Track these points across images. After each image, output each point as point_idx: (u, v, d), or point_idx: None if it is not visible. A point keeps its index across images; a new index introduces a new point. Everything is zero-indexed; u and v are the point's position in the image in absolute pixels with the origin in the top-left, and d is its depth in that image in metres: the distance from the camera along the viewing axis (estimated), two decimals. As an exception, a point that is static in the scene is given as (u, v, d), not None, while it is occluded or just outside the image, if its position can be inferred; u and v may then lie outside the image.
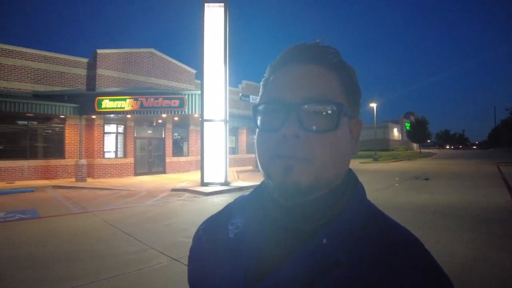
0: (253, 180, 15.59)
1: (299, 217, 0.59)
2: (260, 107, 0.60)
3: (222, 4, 14.13)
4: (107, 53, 18.48)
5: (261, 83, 0.67)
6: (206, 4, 14.05)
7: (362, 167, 26.65)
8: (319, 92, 0.56)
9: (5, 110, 13.82)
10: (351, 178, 0.65)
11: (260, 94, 0.66)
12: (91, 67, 18.09)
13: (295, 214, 0.59)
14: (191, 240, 0.74)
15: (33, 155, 15.98)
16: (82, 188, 13.51)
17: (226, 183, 13.50)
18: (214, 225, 0.72)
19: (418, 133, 67.09)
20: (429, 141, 75.69)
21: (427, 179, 16.98)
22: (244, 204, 0.70)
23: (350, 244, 0.55)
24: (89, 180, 15.98)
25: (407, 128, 74.31)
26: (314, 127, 0.55)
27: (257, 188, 0.71)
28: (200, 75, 14.73)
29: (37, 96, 15.56)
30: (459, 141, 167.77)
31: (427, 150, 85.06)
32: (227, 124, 14.03)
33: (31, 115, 15.18)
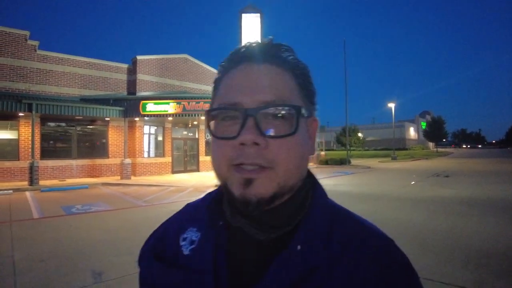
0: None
1: (266, 225, 0.56)
2: (214, 113, 0.56)
3: (258, 14, 15.20)
4: (146, 59, 19.74)
5: (212, 84, 0.64)
6: (243, 15, 15.14)
7: (382, 166, 27.42)
8: (276, 95, 0.54)
9: (57, 113, 15.09)
10: (310, 178, 0.63)
11: (212, 96, 0.63)
12: (131, 72, 19.38)
13: (262, 223, 0.56)
14: None
15: (80, 155, 17.32)
16: (131, 185, 14.72)
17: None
18: (160, 244, 0.67)
19: (434, 132, 67.15)
20: (444, 140, 75.42)
21: (447, 176, 17.75)
22: (195, 214, 0.67)
23: (324, 246, 0.54)
24: (132, 178, 17.21)
25: (423, 127, 74.35)
26: (273, 133, 0.52)
27: (211, 196, 0.67)
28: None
29: (84, 100, 16.85)
30: (476, 140, 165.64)
31: (443, 149, 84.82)
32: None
33: (80, 117, 16.49)
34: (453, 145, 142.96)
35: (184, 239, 0.63)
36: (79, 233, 6.73)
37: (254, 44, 0.59)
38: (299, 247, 0.53)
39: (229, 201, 0.60)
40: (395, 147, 40.50)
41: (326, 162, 28.59)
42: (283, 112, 0.53)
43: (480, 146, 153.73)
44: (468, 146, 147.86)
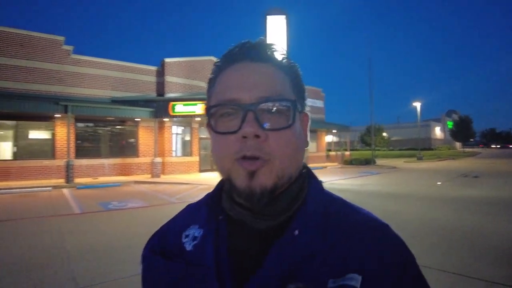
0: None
1: (266, 214, 0.59)
2: (214, 110, 0.59)
3: (284, 16, 15.40)
4: (173, 61, 20.31)
5: (207, 83, 0.66)
6: (268, 16, 15.38)
7: (408, 166, 27.05)
8: (272, 91, 0.57)
9: (90, 114, 15.80)
10: (306, 170, 0.67)
11: (207, 94, 0.65)
12: (160, 74, 19.97)
13: (261, 213, 0.59)
14: None
15: (111, 154, 18.04)
16: (161, 183, 15.23)
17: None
18: (162, 242, 0.70)
19: (461, 131, 65.50)
20: (472, 140, 73.56)
21: (476, 176, 17.42)
22: (196, 213, 0.70)
23: (321, 231, 0.56)
24: (161, 176, 17.75)
25: (450, 126, 72.68)
26: (272, 125, 0.55)
27: (211, 194, 0.70)
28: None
29: (115, 101, 17.51)
30: (505, 139, 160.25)
31: (471, 149, 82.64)
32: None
33: (112, 118, 17.17)
34: (481, 145, 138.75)
35: (187, 236, 0.66)
36: (120, 227, 7.15)
37: (246, 44, 0.62)
38: (296, 232, 0.56)
39: (230, 195, 0.64)
40: (420, 147, 39.89)
41: (351, 162, 28.49)
42: (280, 106, 0.56)
43: (511, 146, 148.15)
44: (498, 146, 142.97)
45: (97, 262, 4.92)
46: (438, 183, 14.69)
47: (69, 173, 14.81)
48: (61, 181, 15.37)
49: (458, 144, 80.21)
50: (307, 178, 0.66)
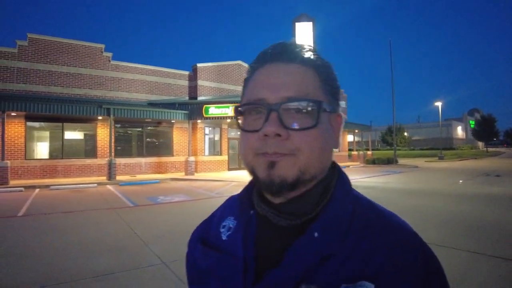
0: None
1: (288, 213, 0.61)
2: (242, 108, 0.62)
3: (311, 22, 16.26)
4: (205, 66, 21.55)
5: (243, 83, 0.68)
6: (297, 23, 16.27)
7: (430, 165, 27.41)
8: (298, 91, 0.58)
9: (130, 116, 17.02)
10: (335, 170, 0.67)
11: (242, 94, 0.67)
12: (192, 78, 21.23)
13: (284, 211, 0.61)
14: None
15: (148, 153, 19.30)
16: (196, 180, 16.32)
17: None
18: (206, 229, 0.76)
19: (484, 131, 64.70)
20: (495, 139, 72.41)
21: (498, 175, 17.74)
22: (234, 205, 0.73)
23: (341, 235, 0.56)
24: (194, 174, 18.87)
25: (472, 126, 71.83)
26: (295, 125, 0.56)
27: (246, 188, 0.72)
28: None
29: (152, 104, 18.75)
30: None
31: (494, 149, 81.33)
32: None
33: (149, 120, 18.36)
34: (505, 145, 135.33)
35: (224, 227, 0.70)
36: (176, 217, 8.17)
37: (278, 46, 0.63)
38: (316, 234, 0.56)
39: (256, 189, 0.67)
40: (441, 146, 39.86)
41: (373, 162, 28.99)
42: (304, 106, 0.57)
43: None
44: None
45: (172, 245, 5.74)
46: (460, 181, 15.16)
47: (111, 171, 16.05)
48: (103, 178, 16.64)
49: (480, 144, 79.14)
50: (335, 178, 0.65)
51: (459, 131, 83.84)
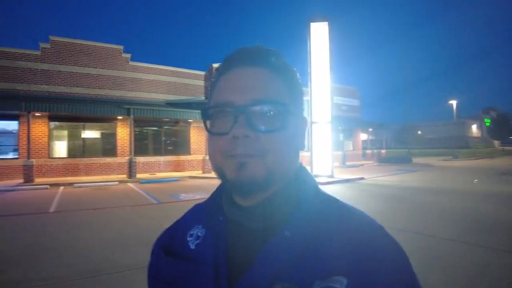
0: (356, 174, 17.78)
1: (259, 215, 0.61)
2: (210, 111, 0.62)
3: (326, 23, 16.43)
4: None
5: (209, 87, 0.68)
6: (312, 23, 16.45)
7: (444, 164, 27.33)
8: (265, 94, 0.58)
9: (149, 116, 17.46)
10: (302, 172, 0.67)
11: (209, 97, 0.67)
12: (208, 78, 21.59)
13: (254, 214, 0.61)
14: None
15: (166, 152, 19.79)
16: (214, 178, 16.42)
17: (331, 176, 15.81)
18: (170, 239, 0.74)
19: (499, 129, 63.88)
20: (511, 137, 71.40)
21: (515, 175, 17.68)
22: (201, 213, 0.72)
23: (313, 233, 0.56)
24: (212, 172, 19.22)
25: (487, 124, 70.89)
26: (263, 127, 0.57)
27: (213, 195, 0.72)
28: (305, 83, 17.22)
29: (170, 104, 19.14)
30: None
31: (510, 148, 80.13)
32: (331, 125, 16.38)
33: (167, 120, 18.80)
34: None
35: (191, 235, 0.69)
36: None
37: (245, 50, 0.64)
38: (287, 233, 0.56)
39: (225, 194, 0.68)
40: (456, 145, 39.58)
41: (387, 160, 29.02)
42: (271, 109, 0.58)
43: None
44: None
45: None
46: (475, 180, 15.16)
47: (131, 169, 16.50)
48: (123, 176, 17.12)
49: (496, 142, 78.01)
50: (303, 180, 0.66)
51: (474, 130, 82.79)
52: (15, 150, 16.47)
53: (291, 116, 0.61)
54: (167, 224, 0.80)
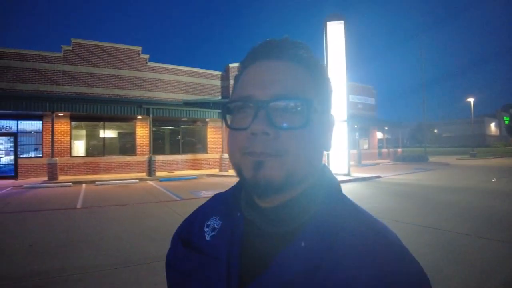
0: (372, 172, 17.88)
1: (275, 219, 0.58)
2: (230, 106, 0.59)
3: (342, 21, 16.54)
4: (236, 66, 21.82)
5: (233, 80, 0.65)
6: (328, 22, 16.58)
7: (461, 163, 27.07)
8: (288, 89, 0.55)
9: (167, 116, 17.84)
10: (325, 174, 0.64)
11: (232, 91, 0.64)
12: (224, 78, 21.88)
13: (271, 217, 0.59)
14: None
15: (184, 151, 20.17)
16: (231, 176, 16.91)
17: (348, 174, 15.93)
18: (189, 228, 0.72)
19: (519, 127, 62.68)
20: (531, 136, 69.96)
21: (536, 174, 17.45)
22: (220, 203, 0.70)
23: (329, 244, 0.53)
24: (228, 170, 19.52)
25: (506, 122, 69.56)
26: (283, 124, 0.54)
27: (234, 187, 0.70)
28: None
29: (187, 104, 19.51)
30: None
31: (529, 146, 78.50)
32: (348, 123, 16.49)
33: (185, 119, 19.17)
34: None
35: (208, 226, 0.67)
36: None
37: (270, 43, 0.61)
38: (303, 243, 0.53)
39: (244, 192, 0.66)
40: (474, 143, 39.04)
41: (403, 159, 28.90)
42: (293, 105, 0.55)
43: None
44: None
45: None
46: (493, 179, 15.05)
47: (151, 167, 16.89)
48: (143, 174, 17.54)
49: (515, 141, 76.56)
50: (325, 185, 0.62)
51: (492, 128, 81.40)
52: (36, 149, 17.00)
53: (317, 114, 0.58)
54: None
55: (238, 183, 0.69)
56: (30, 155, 16.81)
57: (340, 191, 0.63)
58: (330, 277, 0.50)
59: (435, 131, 45.84)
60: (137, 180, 15.78)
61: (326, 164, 0.65)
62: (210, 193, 11.62)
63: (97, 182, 14.92)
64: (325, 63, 0.73)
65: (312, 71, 0.60)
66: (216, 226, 0.66)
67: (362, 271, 0.50)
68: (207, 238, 0.65)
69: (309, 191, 0.60)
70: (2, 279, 4.24)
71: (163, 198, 10.85)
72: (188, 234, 0.71)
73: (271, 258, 0.55)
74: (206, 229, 0.67)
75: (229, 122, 0.60)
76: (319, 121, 0.59)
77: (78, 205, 9.60)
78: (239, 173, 0.58)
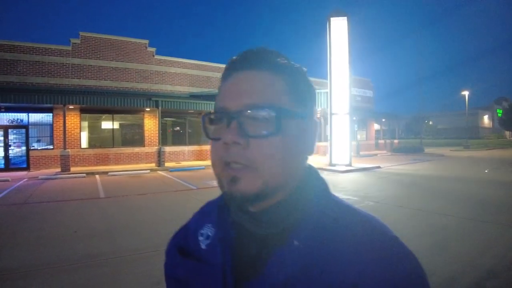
0: (372, 163, 18.62)
1: (264, 222, 0.59)
2: (211, 117, 0.61)
3: (345, 18, 17.09)
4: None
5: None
6: (332, 18, 17.13)
7: (456, 154, 27.89)
8: (261, 98, 0.56)
9: (175, 108, 18.40)
10: (311, 176, 0.65)
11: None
12: (229, 71, 22.32)
13: (260, 220, 0.59)
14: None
15: (190, 142, 20.77)
16: (238, 167, 17.55)
17: (350, 164, 16.66)
18: (184, 237, 0.74)
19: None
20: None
21: (527, 165, 18.23)
22: (213, 211, 0.71)
23: (322, 242, 0.54)
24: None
25: (499, 115, 70.74)
26: (253, 133, 0.55)
27: (223, 194, 0.68)
28: (324, 76, 17.95)
29: (194, 96, 20.07)
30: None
31: (521, 138, 79.85)
32: (350, 116, 17.14)
33: (191, 111, 19.74)
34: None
35: (202, 235, 0.68)
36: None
37: (245, 53, 0.62)
38: (296, 242, 0.54)
39: None
40: (467, 135, 39.90)
41: (400, 150, 29.67)
42: (265, 113, 0.55)
43: None
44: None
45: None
46: (486, 170, 15.72)
47: (160, 158, 17.48)
48: (152, 165, 18.11)
49: (508, 133, 77.83)
50: (312, 185, 0.63)
51: (486, 120, 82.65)
52: (38, 141, 17.21)
53: (294, 119, 0.58)
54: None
55: None
56: (41, 147, 17.25)
57: (328, 190, 0.64)
58: (325, 273, 0.52)
59: (430, 123, 46.54)
60: (148, 171, 16.36)
61: (312, 165, 0.67)
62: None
63: (109, 173, 15.43)
64: (306, 69, 0.74)
65: (289, 77, 0.60)
66: (210, 233, 0.67)
67: (363, 266, 0.51)
68: (203, 246, 0.67)
69: (295, 193, 0.61)
70: (62, 261, 4.64)
71: (180, 187, 11.44)
72: (184, 243, 0.73)
73: (265, 260, 0.57)
74: (200, 238, 0.68)
75: (209, 132, 0.61)
76: (298, 127, 0.59)
77: (101, 195, 10.12)
78: (220, 184, 0.60)
